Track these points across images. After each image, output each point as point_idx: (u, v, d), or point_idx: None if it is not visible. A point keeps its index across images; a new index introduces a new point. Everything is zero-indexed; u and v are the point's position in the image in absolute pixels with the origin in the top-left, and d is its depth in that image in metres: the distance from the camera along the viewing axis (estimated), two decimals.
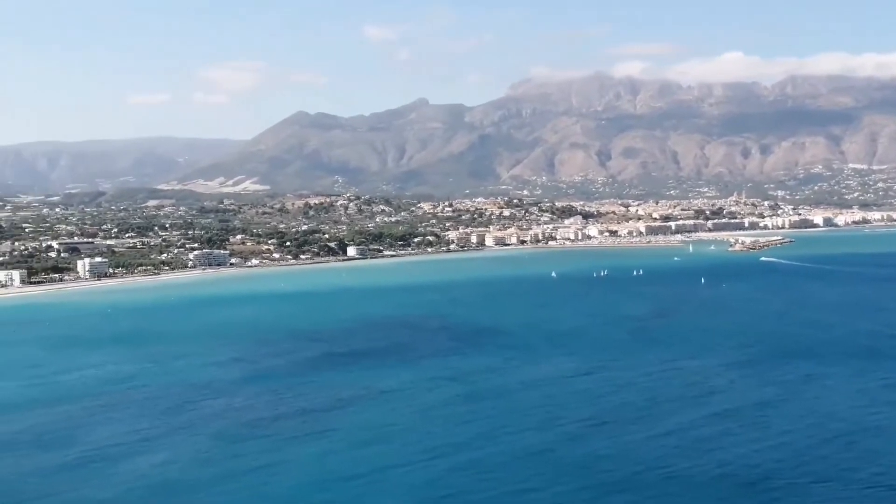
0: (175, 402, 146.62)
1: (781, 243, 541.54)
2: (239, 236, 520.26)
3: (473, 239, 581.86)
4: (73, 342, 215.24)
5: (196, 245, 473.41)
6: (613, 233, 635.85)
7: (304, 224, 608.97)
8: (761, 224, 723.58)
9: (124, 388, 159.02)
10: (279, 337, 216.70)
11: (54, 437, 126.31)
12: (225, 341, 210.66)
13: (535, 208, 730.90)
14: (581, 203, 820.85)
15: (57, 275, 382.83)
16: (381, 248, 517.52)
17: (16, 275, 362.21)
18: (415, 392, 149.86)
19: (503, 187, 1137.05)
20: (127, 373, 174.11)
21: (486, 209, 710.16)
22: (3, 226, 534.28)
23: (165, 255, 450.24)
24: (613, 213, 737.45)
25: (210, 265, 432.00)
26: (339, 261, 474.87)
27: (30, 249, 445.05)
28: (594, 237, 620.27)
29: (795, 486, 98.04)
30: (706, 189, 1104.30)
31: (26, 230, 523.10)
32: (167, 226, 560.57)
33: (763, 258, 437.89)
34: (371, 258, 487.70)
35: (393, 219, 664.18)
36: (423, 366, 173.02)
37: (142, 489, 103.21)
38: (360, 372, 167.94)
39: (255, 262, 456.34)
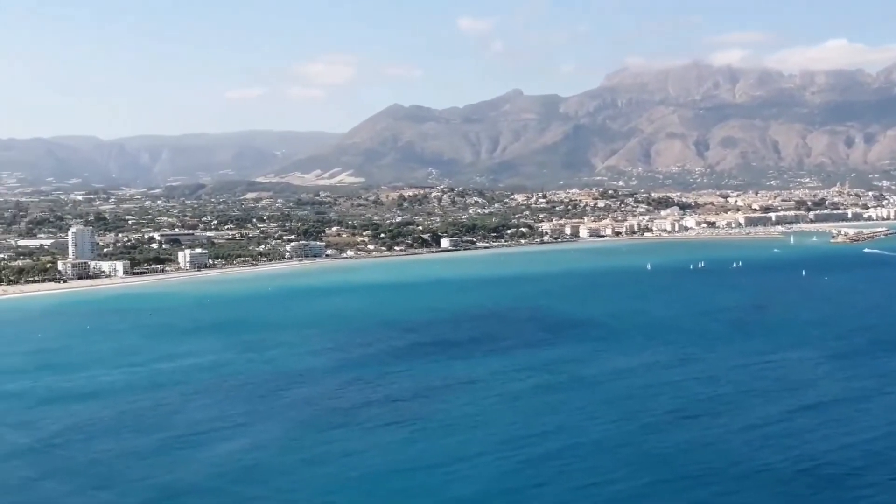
0: (268, 389, 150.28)
1: (886, 235, 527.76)
2: (334, 228, 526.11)
3: (567, 230, 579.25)
4: (173, 331, 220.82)
5: (293, 237, 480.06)
6: (711, 224, 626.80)
7: (398, 216, 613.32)
8: (865, 215, 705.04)
9: (220, 376, 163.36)
10: (372, 327, 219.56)
11: (152, 422, 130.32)
12: (319, 331, 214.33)
13: (630, 199, 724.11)
14: (678, 194, 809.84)
15: (158, 265, 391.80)
16: (475, 239, 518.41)
17: (119, 265, 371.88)
18: (501, 382, 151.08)
19: (598, 178, 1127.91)
20: (223, 361, 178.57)
21: (580, 200, 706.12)
22: (108, 218, 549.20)
23: (263, 246, 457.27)
24: (711, 203, 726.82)
25: (306, 256, 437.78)
26: (433, 252, 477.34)
27: (133, 241, 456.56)
28: (691, 228, 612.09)
29: (883, 486, 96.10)
30: (808, 179, 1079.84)
31: (129, 222, 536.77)
32: (265, 218, 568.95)
33: (866, 250, 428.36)
34: (464, 250, 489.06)
35: (486, 210, 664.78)
36: (512, 356, 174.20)
37: (233, 472, 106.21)
38: (449, 361, 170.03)
39: (349, 253, 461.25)
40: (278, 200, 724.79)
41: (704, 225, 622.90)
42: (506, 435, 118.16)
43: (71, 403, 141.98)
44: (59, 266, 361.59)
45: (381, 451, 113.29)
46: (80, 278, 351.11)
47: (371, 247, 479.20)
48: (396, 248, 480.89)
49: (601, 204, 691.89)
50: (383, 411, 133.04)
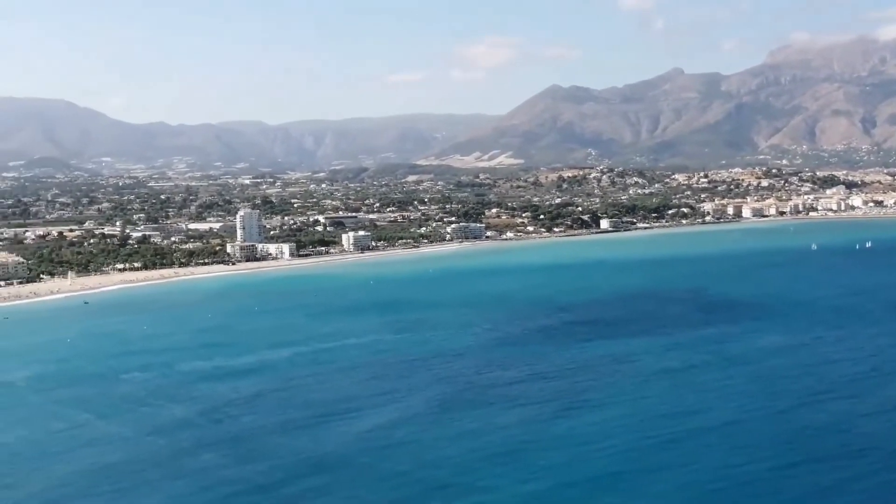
0: (422, 367, 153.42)
1: None
2: (494, 210, 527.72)
3: (730, 210, 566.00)
4: (336, 311, 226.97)
5: (453, 219, 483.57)
6: (878, 203, 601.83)
7: (558, 197, 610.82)
8: None
9: (377, 354, 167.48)
10: (529, 307, 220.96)
11: (307, 398, 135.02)
12: (477, 311, 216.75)
13: (794, 178, 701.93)
14: (844, 172, 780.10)
15: (323, 248, 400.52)
16: (634, 220, 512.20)
17: (286, 248, 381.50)
18: (652, 361, 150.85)
19: (761, 157, 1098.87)
20: (382, 340, 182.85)
21: (742, 180, 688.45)
22: (274, 201, 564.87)
23: (424, 228, 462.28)
24: (878, 182, 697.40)
25: (466, 238, 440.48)
26: (592, 233, 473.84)
27: (298, 223, 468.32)
28: (858, 208, 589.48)
29: None
30: None
31: (295, 205, 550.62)
32: (426, 200, 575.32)
33: None
34: (624, 231, 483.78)
35: (646, 191, 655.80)
36: (665, 335, 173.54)
37: (380, 446, 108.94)
38: (602, 341, 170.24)
39: (509, 234, 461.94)
40: (439, 183, 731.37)
41: (871, 204, 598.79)
42: (652, 412, 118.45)
43: (233, 380, 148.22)
44: (228, 249, 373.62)
45: (528, 427, 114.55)
46: (247, 260, 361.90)
47: (530, 228, 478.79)
48: (556, 229, 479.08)
49: (764, 183, 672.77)
50: (533, 388, 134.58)
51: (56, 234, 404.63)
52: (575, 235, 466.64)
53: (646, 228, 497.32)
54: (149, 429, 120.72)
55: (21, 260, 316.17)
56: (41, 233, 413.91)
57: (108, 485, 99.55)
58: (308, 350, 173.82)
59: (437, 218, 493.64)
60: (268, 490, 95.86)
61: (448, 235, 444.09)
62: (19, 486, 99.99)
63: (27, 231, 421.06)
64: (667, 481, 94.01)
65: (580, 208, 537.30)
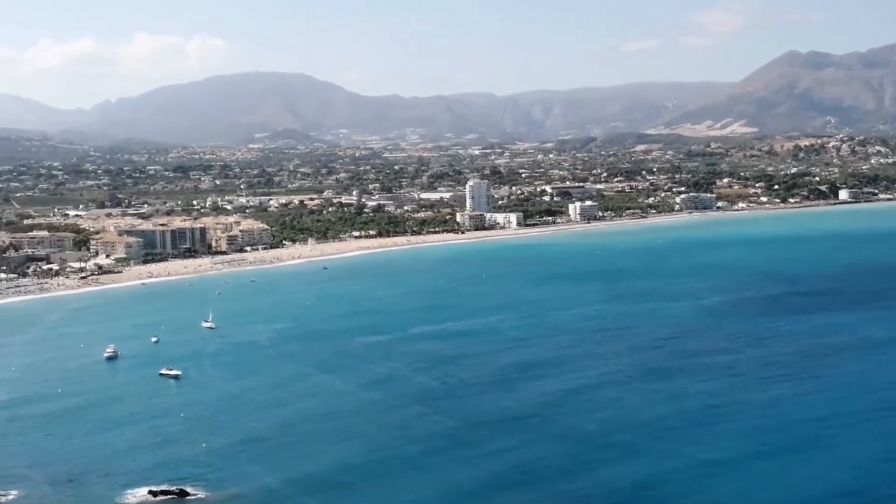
0: (642, 339, 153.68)
1: None
2: (725, 180, 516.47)
3: None
4: (561, 279, 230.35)
5: (682, 189, 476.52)
6: None
7: (793, 167, 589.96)
8: None
9: (596, 321, 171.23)
10: (757, 279, 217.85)
11: (509, 359, 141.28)
12: (702, 281, 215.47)
13: None
14: None
15: (550, 217, 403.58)
16: (877, 191, 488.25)
17: (513, 217, 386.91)
18: (876, 333, 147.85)
19: None
20: (603, 307, 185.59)
21: None
22: (502, 171, 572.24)
23: (652, 198, 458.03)
24: None
25: (696, 209, 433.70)
26: (829, 204, 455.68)
27: (526, 193, 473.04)
28: None
29: None
30: None
31: (523, 175, 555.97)
32: (654, 170, 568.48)
33: None
34: (865, 202, 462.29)
35: (890, 160, 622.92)
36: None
37: (600, 421, 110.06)
38: (827, 314, 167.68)
39: (741, 205, 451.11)
40: (668, 152, 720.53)
41: None
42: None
43: (452, 340, 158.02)
44: (458, 218, 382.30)
45: (758, 405, 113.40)
46: (476, 229, 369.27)
47: (763, 199, 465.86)
48: (790, 200, 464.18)
49: None
50: (743, 357, 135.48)
51: (297, 203, 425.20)
52: (811, 206, 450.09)
53: (889, 200, 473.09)
54: (366, 383, 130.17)
55: (265, 227, 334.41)
56: (283, 201, 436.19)
57: (316, 429, 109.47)
58: (527, 315, 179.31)
59: (665, 188, 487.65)
60: (468, 445, 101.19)
61: (677, 206, 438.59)
62: (246, 424, 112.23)
63: (271, 199, 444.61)
64: None
65: (817, 178, 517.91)
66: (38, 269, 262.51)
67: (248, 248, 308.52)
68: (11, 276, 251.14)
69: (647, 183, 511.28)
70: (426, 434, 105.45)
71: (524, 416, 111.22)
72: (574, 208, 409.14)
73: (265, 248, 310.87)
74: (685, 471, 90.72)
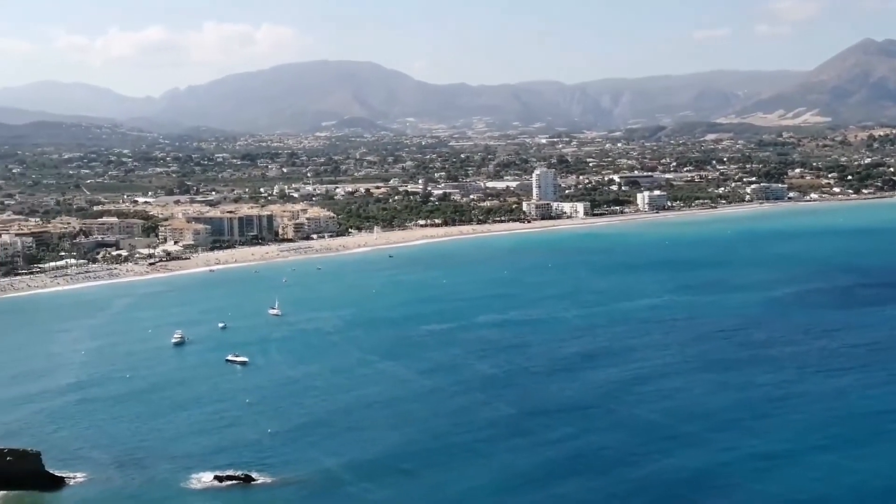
0: (708, 330, 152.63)
1: None
2: (797, 170, 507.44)
3: None
4: (628, 269, 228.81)
5: (753, 179, 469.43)
6: None
7: (867, 157, 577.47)
8: None
9: (660, 311, 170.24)
10: (827, 271, 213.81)
11: (578, 349, 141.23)
12: (770, 273, 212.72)
13: None
14: None
15: (617, 207, 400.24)
16: None
17: (580, 206, 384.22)
18: None
19: None
20: (671, 301, 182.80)
21: None
22: (570, 160, 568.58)
23: (722, 188, 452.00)
24: None
25: (767, 199, 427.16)
26: None
27: (593, 182, 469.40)
28: None
29: None
30: None
31: (590, 164, 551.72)
32: (724, 159, 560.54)
33: None
34: None
35: None
36: None
37: (663, 411, 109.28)
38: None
39: (813, 196, 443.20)
40: (739, 142, 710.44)
41: None
42: None
43: (514, 328, 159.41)
44: (524, 207, 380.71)
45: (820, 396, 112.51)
46: (542, 219, 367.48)
47: (836, 189, 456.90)
48: (864, 190, 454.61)
49: None
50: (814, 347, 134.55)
51: (363, 191, 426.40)
52: (885, 198, 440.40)
53: None
54: (428, 370, 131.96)
55: (331, 215, 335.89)
56: (350, 189, 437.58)
57: (379, 415, 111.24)
58: (593, 304, 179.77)
59: (736, 178, 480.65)
60: (528, 433, 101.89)
61: (747, 196, 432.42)
62: (310, 410, 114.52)
63: (337, 187, 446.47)
64: None
65: (892, 169, 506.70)
66: (107, 255, 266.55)
67: (315, 236, 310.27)
68: (82, 261, 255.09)
69: (717, 173, 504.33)
70: (487, 421, 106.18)
71: (586, 405, 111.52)
72: (642, 198, 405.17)
73: (331, 236, 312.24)
74: (746, 463, 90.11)
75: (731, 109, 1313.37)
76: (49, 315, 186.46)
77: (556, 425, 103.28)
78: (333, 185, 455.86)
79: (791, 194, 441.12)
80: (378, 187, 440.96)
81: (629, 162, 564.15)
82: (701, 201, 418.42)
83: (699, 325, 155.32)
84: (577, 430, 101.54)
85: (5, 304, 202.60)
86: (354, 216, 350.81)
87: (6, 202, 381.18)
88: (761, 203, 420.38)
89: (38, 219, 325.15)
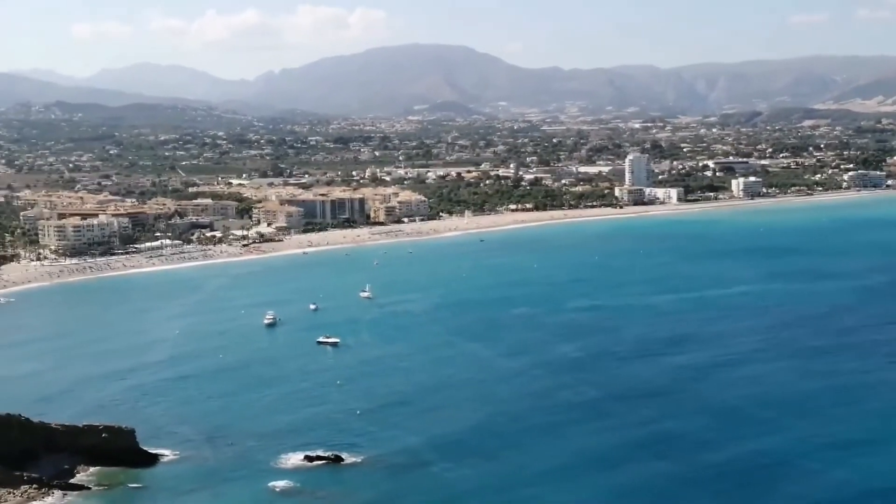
0: (797, 316, 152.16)
1: None
2: None
3: None
4: (719, 256, 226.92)
5: (851, 166, 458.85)
6: None
7: None
8: None
9: (755, 302, 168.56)
10: None
11: (663, 334, 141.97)
12: (871, 263, 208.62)
13: None
14: None
15: (711, 193, 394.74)
16: None
17: (673, 192, 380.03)
18: None
19: None
20: (762, 289, 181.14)
21: None
22: (663, 145, 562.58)
23: (819, 175, 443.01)
24: None
25: (865, 186, 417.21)
26: None
27: (687, 168, 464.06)
28: None
29: None
30: None
31: (684, 150, 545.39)
32: (822, 146, 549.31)
33: None
34: None
35: None
36: None
37: (745, 397, 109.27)
38: None
39: None
40: (836, 128, 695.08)
41: None
42: None
43: (597, 313, 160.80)
44: (616, 192, 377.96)
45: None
46: (635, 204, 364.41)
47: None
48: None
49: None
50: None
51: (455, 175, 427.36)
52: None
53: None
54: (514, 352, 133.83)
55: (423, 198, 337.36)
56: (441, 173, 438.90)
57: (464, 395, 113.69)
58: (682, 290, 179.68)
59: (833, 165, 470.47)
60: (609, 415, 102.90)
61: (844, 183, 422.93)
62: (399, 391, 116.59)
63: (428, 171, 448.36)
64: None
65: None
66: (201, 236, 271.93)
67: (406, 220, 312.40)
68: (176, 242, 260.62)
69: (814, 159, 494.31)
70: (569, 404, 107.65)
71: (669, 389, 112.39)
72: (737, 184, 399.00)
73: (422, 220, 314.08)
74: (827, 450, 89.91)
75: (828, 95, 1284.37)
76: (144, 294, 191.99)
77: (638, 409, 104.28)
78: (425, 169, 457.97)
79: (889, 182, 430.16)
80: (469, 171, 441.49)
81: (724, 147, 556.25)
82: (797, 188, 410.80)
83: (789, 312, 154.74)
84: (658, 414, 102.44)
85: (102, 283, 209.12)
86: (445, 200, 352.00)
87: (103, 183, 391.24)
88: (858, 191, 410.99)
89: (134, 200, 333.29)
